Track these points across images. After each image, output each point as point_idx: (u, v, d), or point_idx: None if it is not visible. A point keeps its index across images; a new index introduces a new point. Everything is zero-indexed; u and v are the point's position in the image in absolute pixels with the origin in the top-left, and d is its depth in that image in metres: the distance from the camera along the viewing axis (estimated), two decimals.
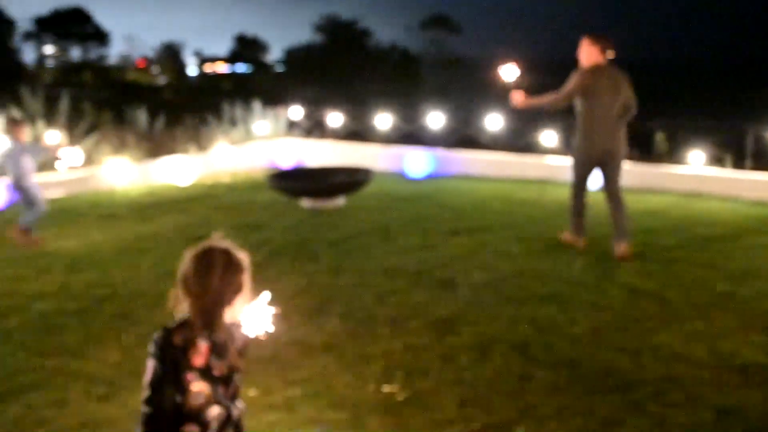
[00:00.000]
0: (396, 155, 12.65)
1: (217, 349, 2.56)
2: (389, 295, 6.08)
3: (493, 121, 12.17)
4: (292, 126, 14.73)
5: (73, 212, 10.02)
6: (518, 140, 12.16)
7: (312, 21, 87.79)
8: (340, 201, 9.51)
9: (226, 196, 10.67)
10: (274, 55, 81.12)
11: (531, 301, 5.93)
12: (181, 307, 2.61)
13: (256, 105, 14.60)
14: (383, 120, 13.05)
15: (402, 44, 71.26)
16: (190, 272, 2.58)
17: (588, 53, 7.17)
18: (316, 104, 16.35)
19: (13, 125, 8.32)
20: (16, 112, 8.73)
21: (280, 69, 75.72)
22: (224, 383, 2.59)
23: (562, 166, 11.44)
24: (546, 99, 7.36)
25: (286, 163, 13.47)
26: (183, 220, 9.14)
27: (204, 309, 2.56)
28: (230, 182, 12.02)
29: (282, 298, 6.01)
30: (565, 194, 10.08)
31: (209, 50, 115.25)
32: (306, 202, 9.48)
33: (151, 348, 2.56)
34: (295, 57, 69.89)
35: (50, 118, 12.72)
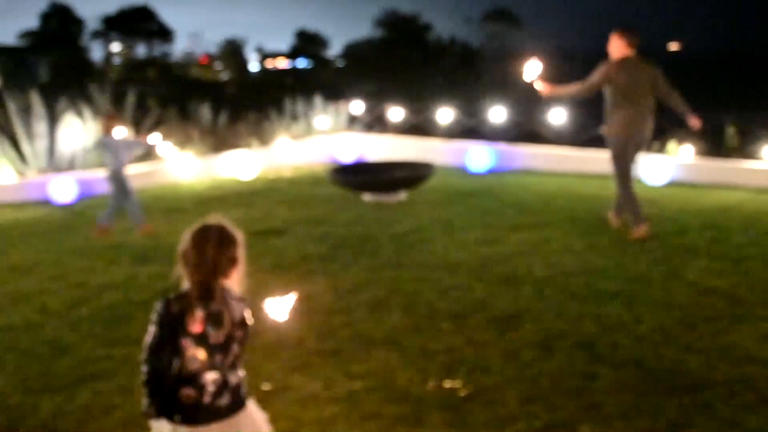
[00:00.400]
0: (457, 150, 12.57)
1: (213, 318, 2.74)
2: (451, 289, 6.04)
3: (557, 115, 11.98)
4: (353, 121, 14.78)
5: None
6: (582, 134, 11.94)
7: (372, 16, 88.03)
8: (401, 195, 9.51)
9: (289, 190, 10.77)
10: (334, 50, 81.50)
11: (595, 298, 5.82)
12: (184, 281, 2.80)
13: (318, 100, 14.69)
14: (444, 114, 12.98)
15: (462, 38, 70.79)
16: (188, 247, 2.80)
17: (616, 46, 7.51)
18: (376, 99, 16.38)
19: (109, 119, 8.60)
20: (109, 109, 8.89)
21: (340, 64, 76.09)
22: (222, 351, 2.76)
23: None
24: (570, 89, 7.73)
25: (347, 158, 13.53)
26: (246, 213, 9.25)
27: (200, 280, 2.76)
28: (292, 176, 12.14)
29: (344, 292, 6.08)
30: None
31: (271, 46, 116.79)
32: (367, 197, 9.50)
33: (153, 316, 2.76)
34: (355, 52, 70.11)
35: (118, 114, 13.02)
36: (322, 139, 14.06)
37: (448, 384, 4.46)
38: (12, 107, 11.98)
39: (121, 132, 8.68)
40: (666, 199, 9.40)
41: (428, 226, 8.08)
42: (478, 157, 12.06)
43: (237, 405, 2.83)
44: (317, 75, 67.97)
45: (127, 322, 5.64)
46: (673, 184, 10.51)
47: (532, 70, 7.72)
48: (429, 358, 4.82)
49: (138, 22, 77.22)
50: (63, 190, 11.10)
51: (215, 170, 12.54)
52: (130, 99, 13.28)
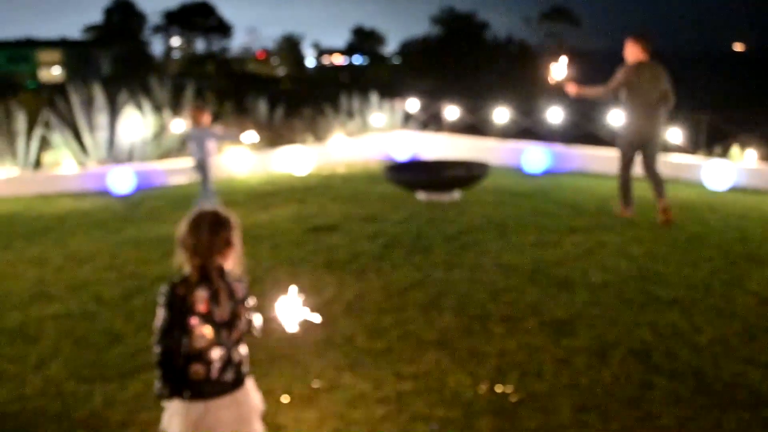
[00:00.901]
0: (513, 150, 12.42)
1: (215, 298, 2.92)
2: (503, 292, 5.96)
3: (615, 117, 11.72)
4: (408, 118, 14.73)
5: (194, 199, 10.37)
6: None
7: (430, 13, 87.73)
8: (455, 195, 9.43)
9: (342, 187, 10.78)
10: (390, 47, 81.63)
11: (652, 305, 5.67)
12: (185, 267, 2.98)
13: (373, 97, 14.68)
14: (500, 114, 12.83)
15: (519, 36, 70.14)
16: (185, 233, 2.99)
17: (631, 51, 8.17)
18: (432, 97, 16.28)
19: (196, 110, 8.72)
20: (197, 101, 8.95)
21: (395, 61, 76.11)
22: (227, 328, 2.94)
23: (688, 164, 10.93)
24: (595, 90, 8.47)
25: (402, 156, 13.49)
26: (300, 209, 9.29)
27: (199, 263, 2.94)
28: (346, 173, 12.15)
29: (396, 291, 6.04)
30: (691, 195, 9.67)
31: (327, 42, 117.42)
32: (421, 195, 9.45)
33: (160, 299, 2.92)
34: (411, 49, 70.06)
35: (176, 107, 13.23)
36: (377, 137, 14.05)
37: (499, 388, 4.39)
38: (75, 99, 12.26)
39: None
40: (728, 205, 9.14)
41: (482, 227, 7.99)
42: (533, 157, 11.90)
43: (240, 380, 3.00)
44: (372, 72, 68.10)
45: None
46: (735, 190, 10.21)
47: (559, 70, 8.34)
48: (480, 361, 4.76)
49: (198, 17, 78.48)
50: (121, 181, 11.31)
51: (270, 165, 12.63)
52: (189, 93, 13.45)
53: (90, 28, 78.34)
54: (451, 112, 13.73)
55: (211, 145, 8.56)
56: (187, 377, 2.89)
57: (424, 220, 8.36)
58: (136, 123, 12.46)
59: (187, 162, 12.24)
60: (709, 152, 11.08)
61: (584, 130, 12.16)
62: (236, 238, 3.05)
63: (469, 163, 10.10)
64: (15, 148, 11.84)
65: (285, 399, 4.33)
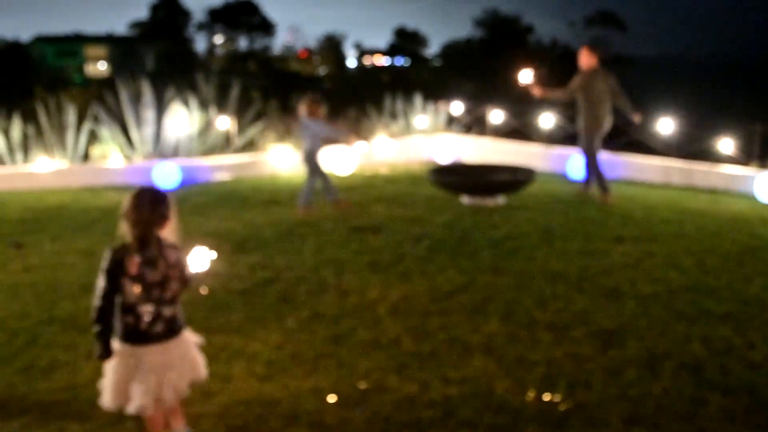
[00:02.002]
0: (558, 156, 12.29)
1: (151, 262, 3.49)
2: (550, 300, 5.88)
3: (664, 125, 11.54)
4: (451, 121, 14.66)
5: (238, 195, 10.46)
6: (691, 146, 11.46)
7: (473, 16, 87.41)
8: (500, 199, 9.35)
9: (386, 188, 10.76)
10: (432, 49, 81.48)
11: (704, 318, 5.54)
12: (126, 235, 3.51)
13: (417, 99, 14.65)
14: (546, 119, 12.69)
15: (563, 41, 69.46)
16: (128, 207, 3.51)
17: (586, 59, 9.48)
18: (475, 100, 16.18)
19: (313, 103, 8.85)
20: (313, 94, 8.95)
21: (437, 63, 75.92)
22: (159, 288, 3.51)
23: (741, 176, 10.70)
24: (557, 93, 9.88)
25: (445, 159, 13.43)
26: (343, 209, 9.27)
27: (138, 233, 3.48)
28: (389, 174, 12.13)
29: (440, 295, 6.00)
30: (743, 207, 9.46)
31: (369, 43, 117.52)
32: (465, 199, 9.39)
33: (103, 263, 3.49)
34: (453, 51, 69.81)
35: (221, 104, 13.34)
36: (420, 139, 14.01)
37: (547, 397, 4.33)
38: (124, 94, 12.42)
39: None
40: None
41: (527, 233, 7.90)
42: (579, 164, 11.74)
43: (171, 333, 3.58)
44: (414, 74, 67.98)
45: (226, 310, 5.73)
46: None
47: (525, 76, 9.86)
48: (527, 368, 4.70)
49: (242, 15, 79.20)
50: (167, 175, 11.43)
51: None
52: (235, 90, 13.55)
53: (136, 24, 79.57)
54: (496, 115, 13.62)
55: (321, 138, 8.79)
56: (121, 326, 3.51)
57: (468, 224, 8.31)
58: (182, 119, 12.59)
59: (229, 159, 12.36)
60: (762, 164, 10.83)
61: (632, 137, 11.97)
62: (172, 212, 3.57)
63: (516, 167, 10.00)
64: (65, 141, 12.04)
65: (332, 399, 4.32)
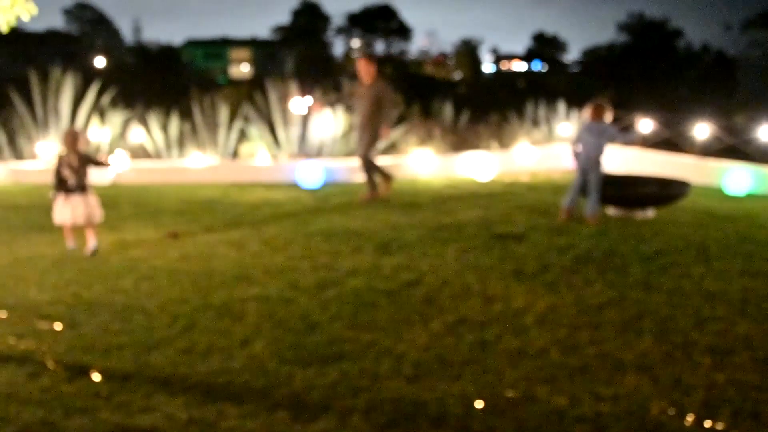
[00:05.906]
0: (713, 169, 11.68)
1: (73, 159, 7.49)
2: (709, 321, 5.56)
3: None
4: None
5: (378, 198, 10.56)
6: None
7: (616, 20, 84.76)
8: (649, 212, 8.97)
9: (527, 196, 10.58)
10: (571, 54, 79.66)
11: None
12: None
13: (560, 106, 14.35)
14: (701, 130, 12.10)
15: (716, 45, 65.85)
16: (62, 140, 7.80)
17: (365, 70, 10.04)
18: (621, 108, 15.65)
19: (597, 107, 8.71)
20: (601, 97, 9.00)
21: (575, 69, 74.15)
22: (76, 173, 7.46)
23: None
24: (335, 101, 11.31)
25: None
26: (484, 215, 9.20)
27: (68, 149, 7.55)
28: (530, 182, 11.93)
29: (589, 308, 5.81)
30: None
31: (506, 47, 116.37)
32: (612, 210, 9.08)
33: (54, 159, 7.63)
34: (594, 57, 67.93)
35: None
36: (563, 147, 13.70)
37: (708, 424, 4.09)
38: (273, 95, 12.87)
39: (608, 120, 8.78)
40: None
41: (680, 249, 7.53)
42: (737, 178, 11.12)
43: (83, 189, 7.50)
44: (551, 79, 66.66)
45: (372, 308, 5.79)
46: None
47: (307, 101, 11.59)
48: (685, 391, 4.45)
49: (380, 20, 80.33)
50: (311, 175, 11.73)
51: (453, 169, 12.64)
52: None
53: (278, 29, 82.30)
54: (645, 125, 13.12)
55: (606, 141, 8.59)
56: (62, 185, 7.48)
57: (616, 237, 8.02)
58: (327, 121, 12.89)
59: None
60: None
61: None
62: (83, 137, 7.70)
63: (668, 180, 9.55)
64: (216, 139, 12.61)
65: (479, 404, 4.26)
